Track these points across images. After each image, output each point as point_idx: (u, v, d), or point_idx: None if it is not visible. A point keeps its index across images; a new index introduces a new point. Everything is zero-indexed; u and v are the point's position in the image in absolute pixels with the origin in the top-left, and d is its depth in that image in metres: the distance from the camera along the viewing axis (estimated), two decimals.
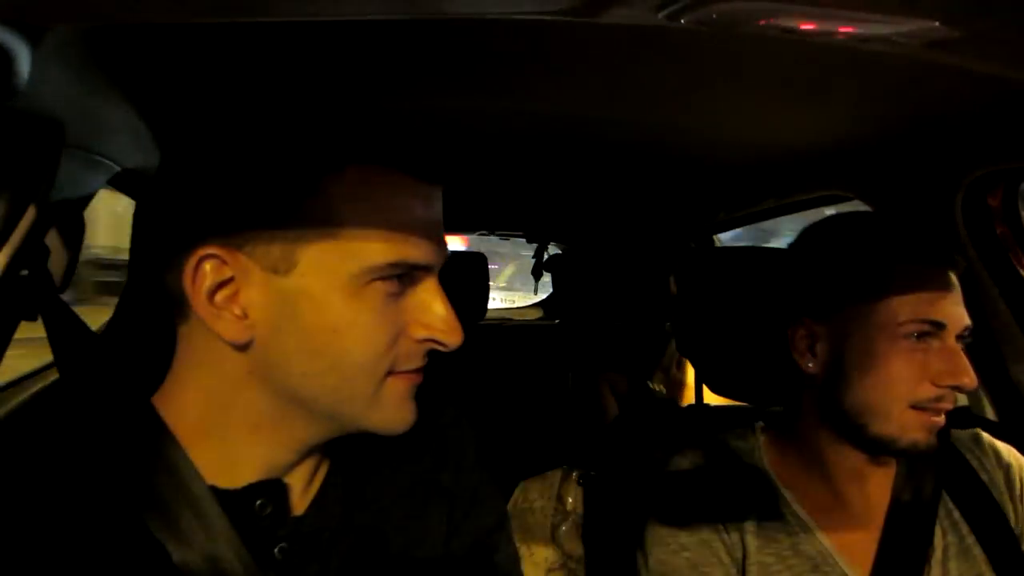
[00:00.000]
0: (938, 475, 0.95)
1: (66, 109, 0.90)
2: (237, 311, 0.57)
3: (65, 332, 0.79)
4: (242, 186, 0.57)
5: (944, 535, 0.92)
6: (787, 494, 0.94)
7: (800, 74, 0.77)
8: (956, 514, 0.94)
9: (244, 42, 0.80)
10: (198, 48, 0.82)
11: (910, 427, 0.86)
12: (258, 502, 0.61)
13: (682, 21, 0.44)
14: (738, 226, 2.00)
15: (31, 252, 0.87)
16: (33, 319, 0.89)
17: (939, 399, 0.86)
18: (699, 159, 1.38)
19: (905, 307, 0.86)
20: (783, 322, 0.97)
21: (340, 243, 0.57)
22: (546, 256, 2.81)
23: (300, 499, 0.65)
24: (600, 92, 0.94)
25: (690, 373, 1.98)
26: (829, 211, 1.89)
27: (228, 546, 0.58)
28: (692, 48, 0.73)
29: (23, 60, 0.72)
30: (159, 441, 0.60)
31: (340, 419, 0.62)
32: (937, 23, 0.44)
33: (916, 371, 0.85)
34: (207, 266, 0.57)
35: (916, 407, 0.86)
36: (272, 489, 0.62)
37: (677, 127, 1.13)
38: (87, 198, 1.00)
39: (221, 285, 0.57)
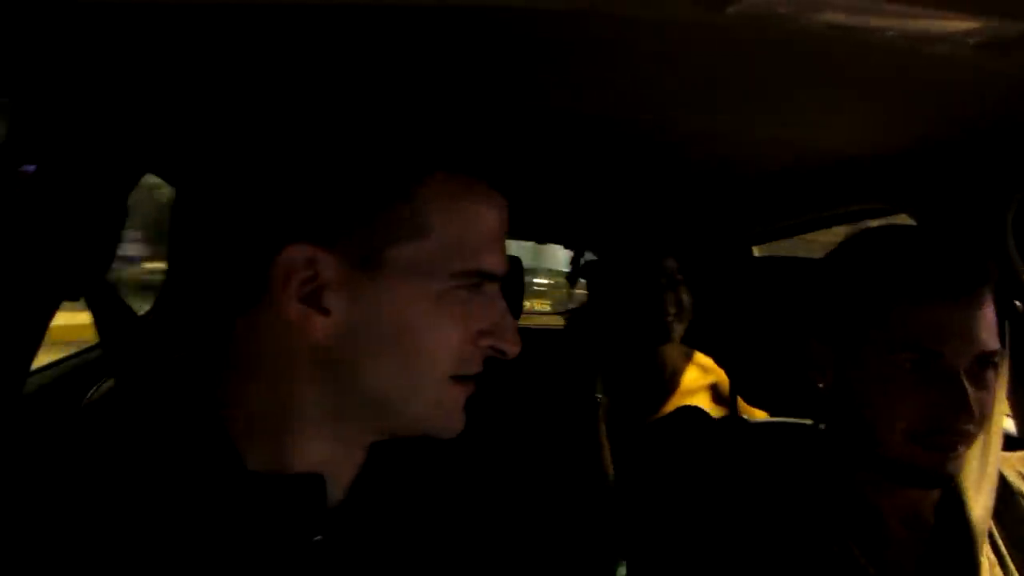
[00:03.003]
0: (984, 502, 0.90)
1: (108, 93, 0.92)
2: (321, 308, 0.58)
3: (110, 313, 0.81)
4: (338, 185, 0.58)
5: (991, 567, 0.88)
6: (826, 518, 0.91)
7: (844, 75, 0.76)
8: (1001, 543, 0.90)
9: (336, 34, 0.76)
10: (273, 30, 0.76)
11: (915, 458, 0.83)
12: (300, 495, 0.62)
13: (727, 12, 0.43)
14: (777, 238, 1.97)
15: (73, 234, 0.89)
16: (75, 299, 0.91)
17: (941, 431, 0.81)
18: (737, 167, 1.36)
19: (901, 336, 0.82)
20: (799, 337, 0.95)
21: (428, 247, 0.59)
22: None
23: (337, 490, 0.65)
24: (638, 94, 0.93)
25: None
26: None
27: (264, 536, 0.58)
28: (731, 48, 0.72)
29: (59, 39, 0.73)
30: (206, 430, 0.61)
31: (400, 420, 0.63)
32: (990, 22, 0.43)
33: (911, 402, 0.82)
34: (297, 263, 0.57)
35: (916, 439, 0.82)
36: (314, 483, 0.63)
37: (715, 132, 1.11)
38: (131, 183, 1.03)
39: (307, 282, 0.58)
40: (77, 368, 1.51)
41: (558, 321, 3.50)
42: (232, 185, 0.61)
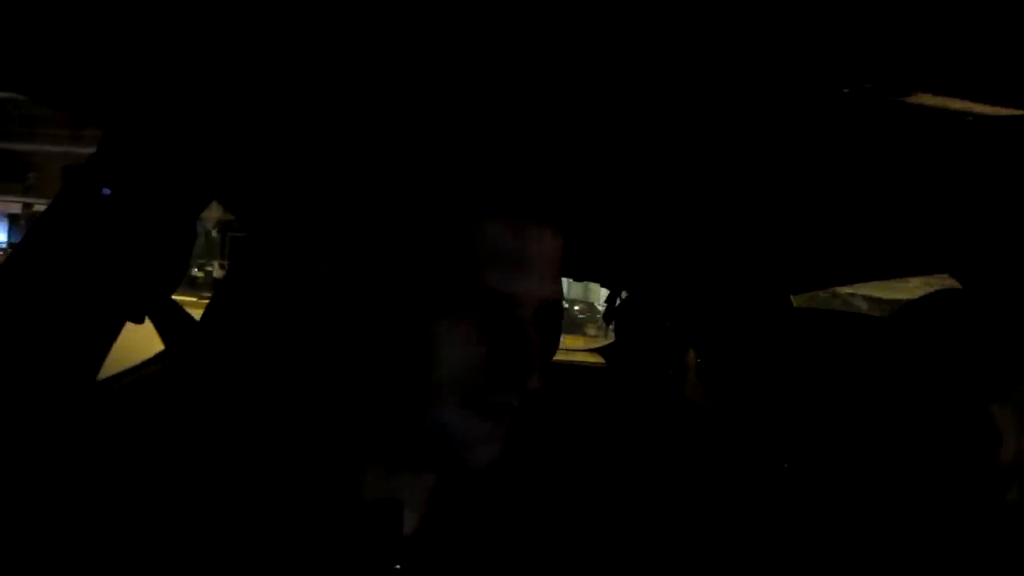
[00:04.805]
0: None
1: (194, 125, 0.94)
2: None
3: (177, 331, 0.83)
4: (401, 207, 0.61)
5: None
6: None
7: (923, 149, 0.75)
8: None
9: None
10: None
11: None
12: (379, 522, 0.63)
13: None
14: (821, 288, 1.95)
15: (143, 257, 0.92)
16: (140, 322, 0.94)
17: None
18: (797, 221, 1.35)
19: None
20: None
21: (473, 271, 0.60)
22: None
23: (413, 517, 0.66)
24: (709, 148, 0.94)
25: None
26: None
27: (345, 565, 0.60)
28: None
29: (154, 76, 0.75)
30: (287, 450, 0.63)
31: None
32: None
33: None
34: (341, 276, 0.60)
35: None
36: (392, 510, 0.64)
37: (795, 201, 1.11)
38: (197, 210, 1.05)
39: (348, 295, 0.60)
40: (152, 376, 1.53)
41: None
42: (289, 209, 0.64)
